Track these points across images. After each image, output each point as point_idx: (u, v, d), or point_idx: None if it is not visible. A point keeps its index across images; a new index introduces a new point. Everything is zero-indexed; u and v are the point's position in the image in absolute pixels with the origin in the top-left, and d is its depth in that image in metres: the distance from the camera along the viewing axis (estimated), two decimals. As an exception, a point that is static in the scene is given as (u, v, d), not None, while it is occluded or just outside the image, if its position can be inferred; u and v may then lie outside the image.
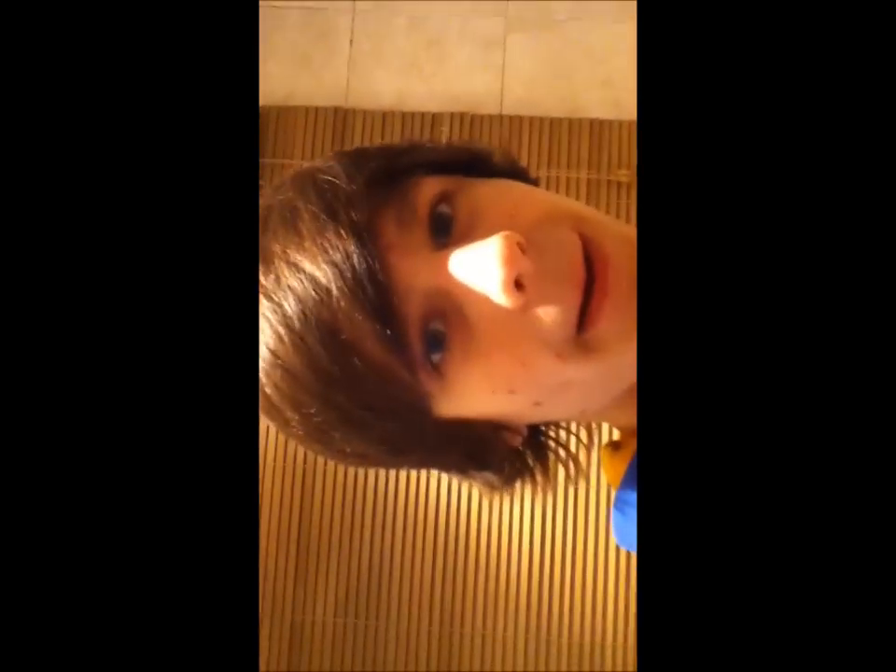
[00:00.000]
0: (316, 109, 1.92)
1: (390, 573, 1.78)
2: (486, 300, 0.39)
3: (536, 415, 0.45)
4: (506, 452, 0.47)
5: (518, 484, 0.49)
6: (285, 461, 1.80)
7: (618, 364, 0.41)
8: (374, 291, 0.38)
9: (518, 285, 0.38)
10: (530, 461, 0.50)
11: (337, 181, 0.40)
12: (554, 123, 1.86)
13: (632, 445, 0.50)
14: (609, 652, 1.72)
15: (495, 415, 0.44)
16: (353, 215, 0.38)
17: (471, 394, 0.41)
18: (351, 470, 1.79)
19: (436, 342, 0.40)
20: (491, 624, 1.75)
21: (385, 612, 1.77)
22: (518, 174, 0.48)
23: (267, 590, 1.78)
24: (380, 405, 0.40)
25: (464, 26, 1.97)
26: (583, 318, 0.40)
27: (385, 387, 0.39)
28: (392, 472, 1.73)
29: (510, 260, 0.37)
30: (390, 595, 1.78)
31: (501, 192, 0.43)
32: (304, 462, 1.80)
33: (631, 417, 0.48)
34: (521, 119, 1.87)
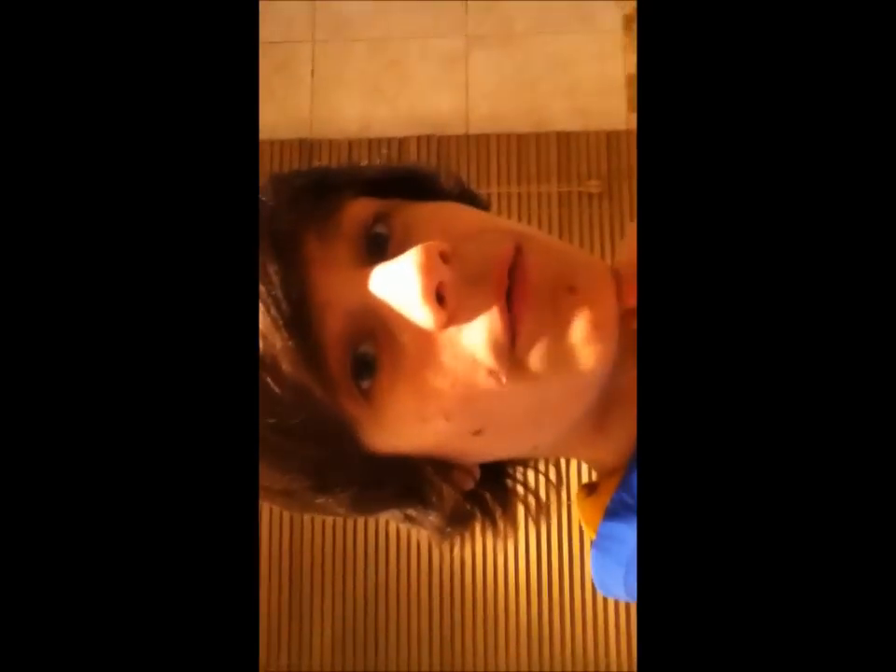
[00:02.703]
0: (281, 143, 1.88)
1: (386, 612, 1.73)
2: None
3: (481, 449, 0.42)
4: (456, 495, 0.43)
5: (477, 529, 0.46)
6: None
7: (550, 389, 0.38)
8: (288, 305, 0.36)
9: (440, 298, 0.36)
10: (491, 504, 0.46)
11: (264, 199, 0.39)
12: (521, 139, 1.84)
13: (609, 486, 0.46)
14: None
15: (433, 448, 0.40)
16: (273, 229, 0.37)
17: (403, 422, 0.38)
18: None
19: (365, 366, 0.37)
20: (492, 657, 1.70)
21: (384, 653, 1.72)
22: (467, 196, 0.46)
23: (261, 637, 1.72)
24: (298, 430, 0.37)
25: (424, 46, 1.95)
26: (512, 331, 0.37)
27: (300, 409, 0.37)
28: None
29: (427, 270, 0.35)
30: (387, 634, 1.73)
31: (438, 209, 0.41)
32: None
33: (600, 453, 0.46)
34: (488, 137, 1.85)
